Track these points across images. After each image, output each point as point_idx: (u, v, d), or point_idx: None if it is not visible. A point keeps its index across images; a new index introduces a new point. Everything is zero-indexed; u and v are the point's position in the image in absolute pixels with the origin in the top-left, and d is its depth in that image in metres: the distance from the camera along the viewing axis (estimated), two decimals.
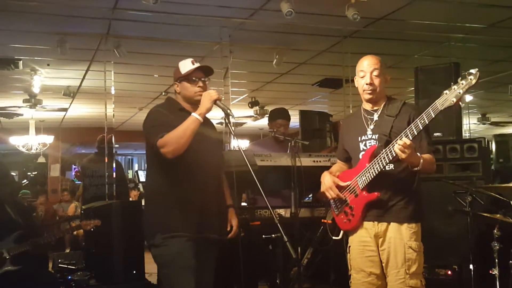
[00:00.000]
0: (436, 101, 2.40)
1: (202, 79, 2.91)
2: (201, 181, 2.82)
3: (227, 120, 2.84)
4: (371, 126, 2.77)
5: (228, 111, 2.81)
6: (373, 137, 2.75)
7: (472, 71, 2.33)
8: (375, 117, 2.78)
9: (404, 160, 2.49)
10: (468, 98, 9.83)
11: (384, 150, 2.60)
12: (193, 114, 2.74)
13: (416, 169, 2.55)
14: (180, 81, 2.91)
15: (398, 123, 2.69)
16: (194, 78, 2.88)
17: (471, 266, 3.75)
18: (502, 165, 7.86)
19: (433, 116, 2.40)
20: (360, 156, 2.77)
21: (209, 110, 2.76)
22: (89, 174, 7.00)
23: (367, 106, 2.84)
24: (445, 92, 2.38)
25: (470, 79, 2.34)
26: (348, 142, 2.91)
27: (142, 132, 2.88)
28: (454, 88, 2.36)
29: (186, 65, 2.90)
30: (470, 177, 4.40)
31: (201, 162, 2.82)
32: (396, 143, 2.48)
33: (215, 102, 2.76)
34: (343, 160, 2.99)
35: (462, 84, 2.35)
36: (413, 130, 2.47)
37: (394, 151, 2.49)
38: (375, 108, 2.81)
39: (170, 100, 3.01)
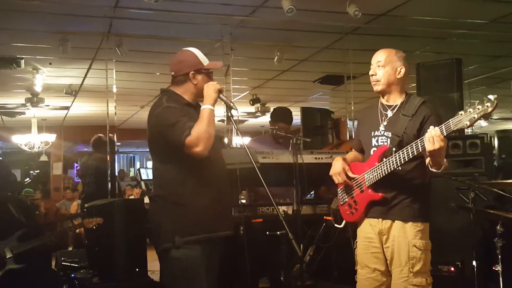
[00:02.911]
0: (450, 120, 2.35)
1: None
2: (217, 179, 2.75)
3: (230, 114, 2.75)
4: (384, 123, 2.76)
5: (231, 104, 2.72)
6: (385, 134, 2.74)
7: (491, 97, 2.24)
8: (389, 113, 2.77)
9: (432, 153, 2.41)
10: (483, 124, 9.79)
11: (395, 153, 2.58)
12: (206, 106, 2.63)
13: (434, 170, 2.50)
14: (199, 72, 2.76)
15: (412, 124, 2.67)
16: (212, 73, 2.78)
17: (474, 263, 3.75)
18: (505, 161, 7.86)
19: (445, 134, 2.36)
20: (371, 152, 2.76)
21: (216, 100, 2.67)
22: (83, 173, 7.06)
23: (383, 100, 2.83)
24: (460, 113, 2.32)
25: (487, 106, 2.25)
26: (362, 135, 2.90)
27: (147, 132, 2.76)
28: (469, 111, 2.29)
29: (204, 58, 2.78)
30: (472, 173, 4.39)
31: (214, 159, 2.74)
32: (428, 132, 2.40)
33: (218, 94, 2.68)
34: (358, 150, 2.98)
35: (478, 109, 2.27)
36: (423, 142, 2.43)
37: (420, 146, 2.44)
38: (390, 103, 2.79)
39: (172, 95, 2.81)
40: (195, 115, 2.67)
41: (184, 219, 2.66)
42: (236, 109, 2.77)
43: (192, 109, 2.72)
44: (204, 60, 2.77)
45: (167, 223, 2.70)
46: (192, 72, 2.75)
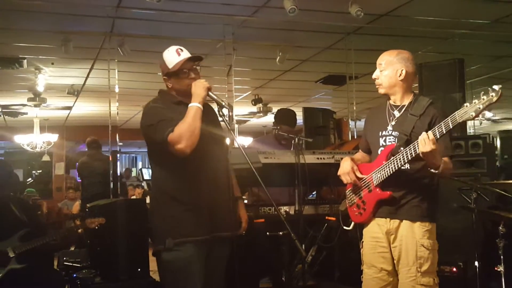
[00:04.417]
0: (455, 112, 2.36)
1: (194, 67, 2.71)
2: (211, 179, 2.69)
3: (221, 113, 2.70)
4: (392, 122, 2.76)
5: (222, 102, 2.67)
6: (393, 133, 2.73)
7: (495, 87, 2.28)
8: (396, 113, 2.76)
9: (424, 155, 2.44)
10: (488, 114, 9.80)
11: (402, 150, 2.58)
12: (192, 104, 2.57)
13: (433, 171, 2.52)
14: (169, 76, 2.72)
15: (420, 124, 2.67)
16: (184, 71, 2.68)
17: (476, 263, 3.74)
18: (507, 161, 7.85)
19: (451, 127, 2.38)
20: (379, 152, 2.76)
21: (204, 98, 2.62)
22: (86, 174, 7.04)
23: (390, 100, 2.82)
24: (465, 104, 2.34)
25: (492, 95, 2.28)
26: (370, 135, 2.90)
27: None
28: (474, 102, 2.31)
29: (172, 58, 2.69)
30: (475, 174, 4.38)
31: (208, 158, 2.69)
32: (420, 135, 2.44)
33: (207, 92, 2.62)
34: (365, 151, 2.97)
35: (483, 99, 2.30)
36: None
37: (417, 146, 2.46)
38: (398, 103, 2.79)
39: (164, 94, 2.80)
40: (185, 113, 2.60)
41: (176, 220, 2.63)
42: (227, 108, 2.75)
43: (183, 107, 2.64)
44: (170, 61, 2.69)
45: (160, 224, 2.70)
46: (164, 77, 2.76)
